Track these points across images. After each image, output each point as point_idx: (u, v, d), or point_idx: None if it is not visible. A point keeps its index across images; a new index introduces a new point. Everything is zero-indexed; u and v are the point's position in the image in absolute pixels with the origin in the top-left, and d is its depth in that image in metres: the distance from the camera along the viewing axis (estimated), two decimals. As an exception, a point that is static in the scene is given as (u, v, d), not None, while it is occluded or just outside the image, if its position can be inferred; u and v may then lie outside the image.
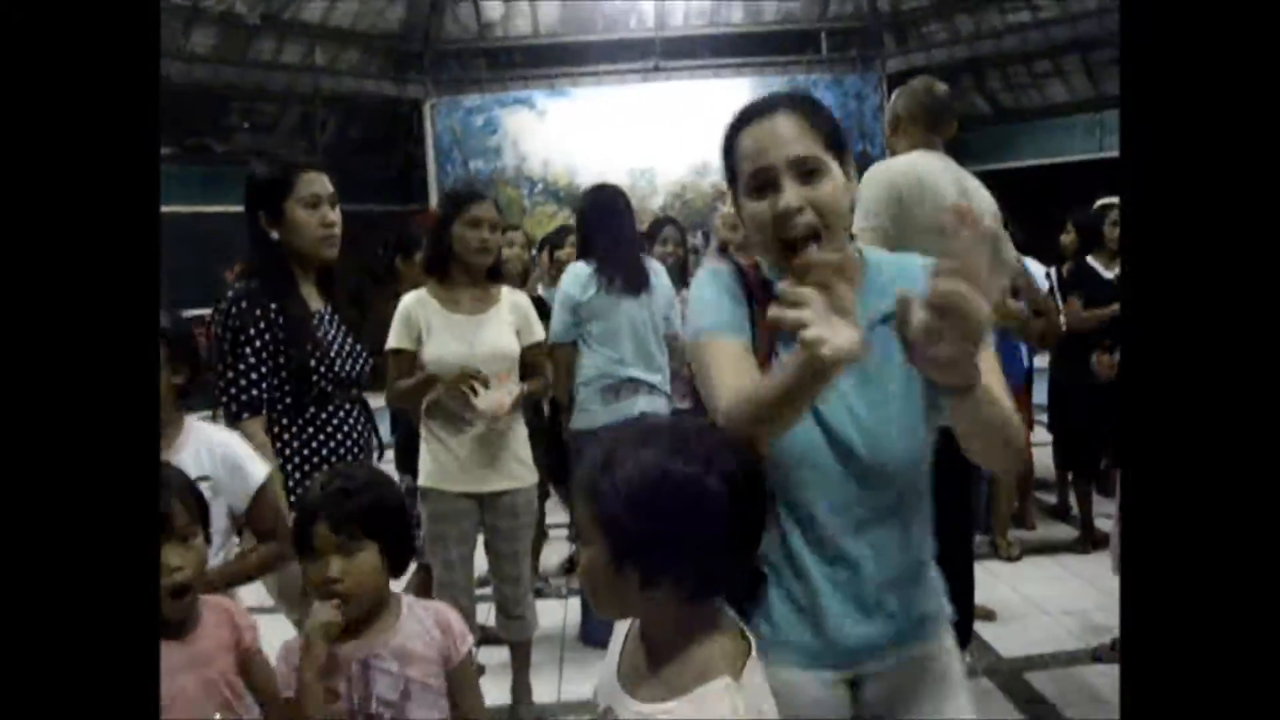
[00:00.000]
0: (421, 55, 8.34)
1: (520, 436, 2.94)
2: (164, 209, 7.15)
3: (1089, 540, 4.34)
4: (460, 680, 1.61)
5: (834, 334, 1.00)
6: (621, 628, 1.26)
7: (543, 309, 3.42)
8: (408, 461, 3.13)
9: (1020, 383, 4.39)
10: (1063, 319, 4.07)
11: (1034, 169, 7.91)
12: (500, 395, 2.79)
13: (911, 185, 2.92)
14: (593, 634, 3.60)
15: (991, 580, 3.98)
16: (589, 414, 3.47)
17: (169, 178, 7.39)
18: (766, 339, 1.36)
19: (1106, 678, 2.94)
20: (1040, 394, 4.69)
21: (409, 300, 2.87)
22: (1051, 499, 5.05)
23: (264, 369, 2.16)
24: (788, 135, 1.31)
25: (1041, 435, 4.89)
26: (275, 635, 1.68)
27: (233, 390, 2.17)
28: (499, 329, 2.86)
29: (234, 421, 2.17)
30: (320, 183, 2.26)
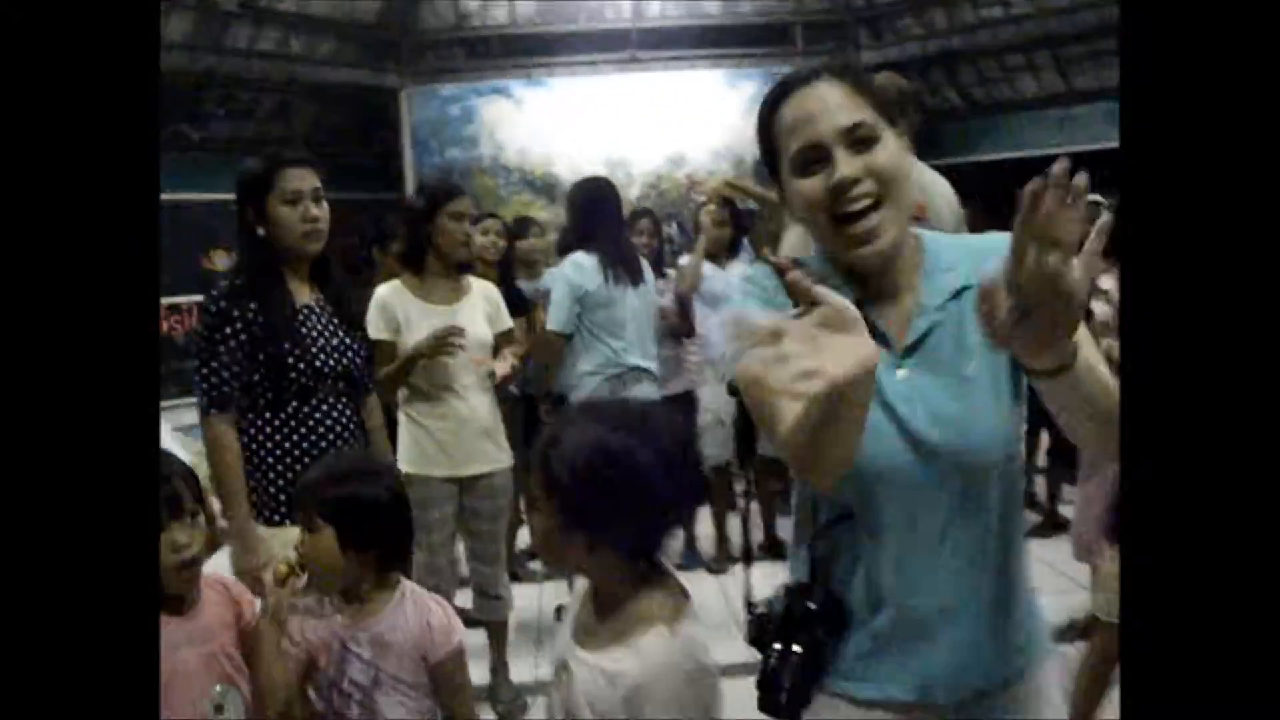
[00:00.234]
0: (399, 44, 8.34)
1: (496, 418, 3.02)
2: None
3: (1051, 525, 4.47)
4: (442, 677, 1.64)
5: (827, 360, 0.88)
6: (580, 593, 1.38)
7: (510, 298, 3.50)
8: None
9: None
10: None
11: (1005, 161, 8.02)
12: (506, 360, 2.90)
13: None
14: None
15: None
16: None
17: (144, 165, 7.36)
18: None
19: (1067, 658, 3.06)
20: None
21: (384, 292, 2.94)
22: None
23: (237, 367, 2.20)
24: (834, 104, 1.20)
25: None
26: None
27: (204, 385, 2.21)
28: (474, 317, 2.94)
29: (203, 416, 2.21)
30: (302, 178, 2.29)
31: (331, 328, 2.35)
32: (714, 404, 4.26)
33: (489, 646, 3.18)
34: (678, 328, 4.26)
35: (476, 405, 2.93)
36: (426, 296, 2.91)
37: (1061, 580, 3.68)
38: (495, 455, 3.00)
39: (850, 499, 1.25)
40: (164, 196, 6.89)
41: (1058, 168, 0.90)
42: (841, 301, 0.94)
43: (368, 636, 1.59)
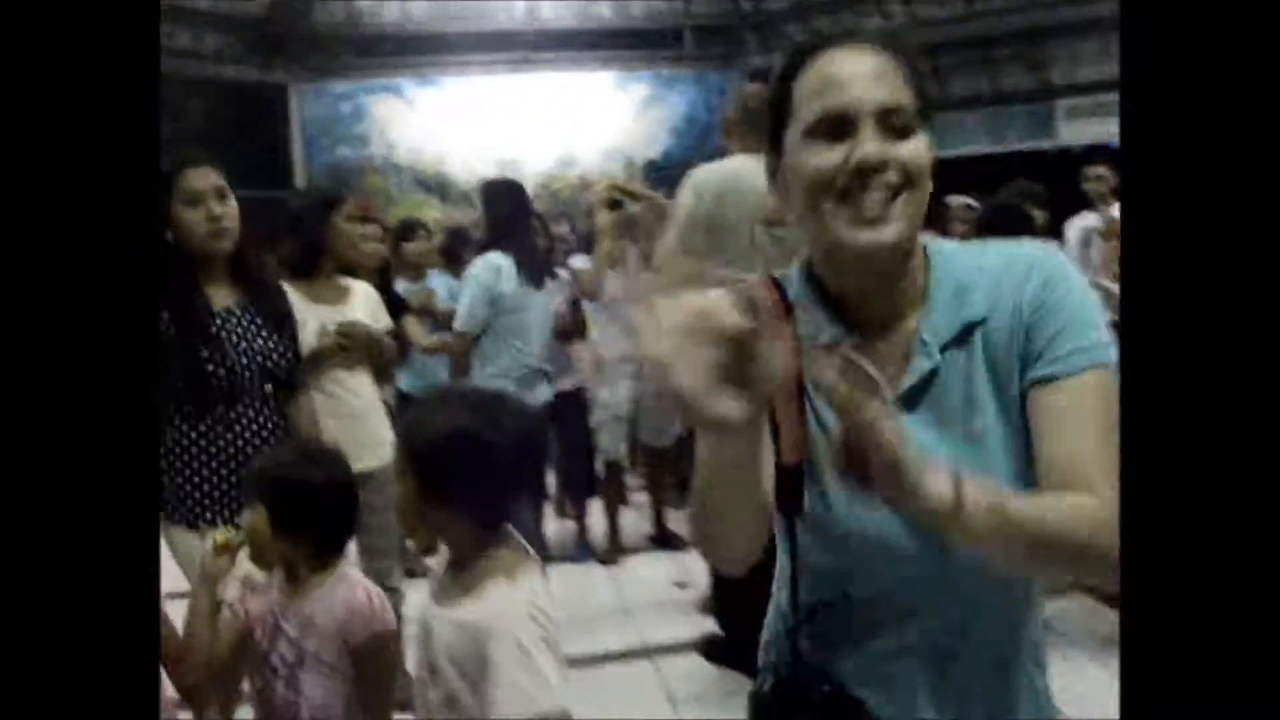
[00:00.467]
0: (288, 40, 8.25)
1: (381, 413, 3.08)
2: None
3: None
4: (361, 661, 1.66)
5: (713, 395, 0.72)
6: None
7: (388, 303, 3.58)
8: None
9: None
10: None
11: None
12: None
13: (726, 186, 3.20)
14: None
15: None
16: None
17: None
18: (790, 384, 1.02)
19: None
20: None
21: None
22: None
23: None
24: (876, 75, 1.01)
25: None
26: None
27: None
28: (361, 316, 2.99)
29: None
30: (203, 176, 2.24)
31: (254, 329, 2.32)
32: (611, 401, 4.42)
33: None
34: (570, 329, 4.38)
35: (366, 401, 2.99)
36: (314, 298, 2.95)
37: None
38: (383, 450, 3.05)
39: (840, 579, 1.05)
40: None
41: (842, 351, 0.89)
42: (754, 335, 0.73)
43: (297, 616, 1.65)
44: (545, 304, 3.75)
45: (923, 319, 1.03)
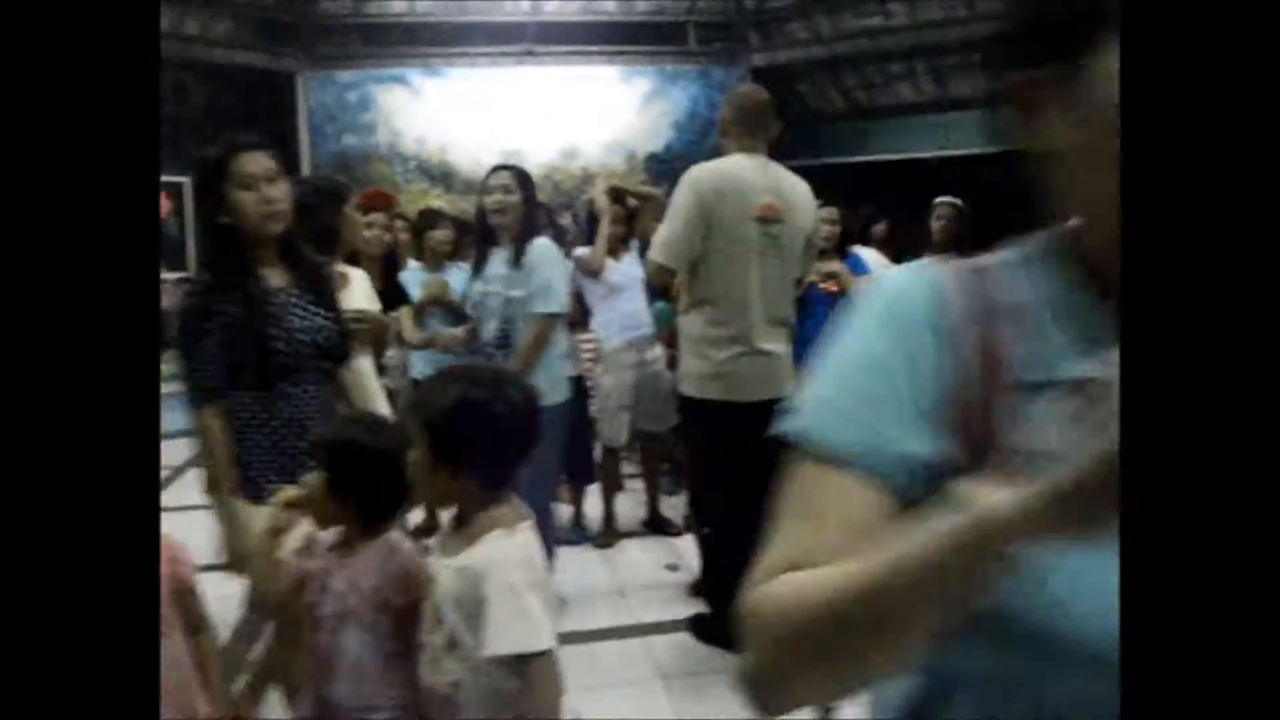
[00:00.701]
0: (296, 28, 8.36)
1: (381, 397, 3.20)
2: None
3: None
4: (400, 623, 1.76)
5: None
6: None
7: (397, 290, 3.70)
8: None
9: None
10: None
11: (884, 163, 8.44)
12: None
13: (723, 184, 3.33)
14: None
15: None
16: (565, 386, 3.76)
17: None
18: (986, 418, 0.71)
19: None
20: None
21: None
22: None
23: (220, 358, 2.27)
24: None
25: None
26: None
27: (190, 381, 2.29)
28: (362, 303, 3.12)
29: (192, 408, 2.29)
30: (254, 161, 2.32)
31: (306, 308, 2.41)
32: (614, 389, 4.55)
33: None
34: (573, 318, 4.50)
35: (368, 386, 3.11)
36: None
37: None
38: None
39: (1024, 695, 0.73)
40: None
41: None
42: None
43: (344, 576, 1.76)
44: None
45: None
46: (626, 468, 5.03)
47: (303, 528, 1.78)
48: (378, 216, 4.23)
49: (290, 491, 1.79)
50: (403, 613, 1.74)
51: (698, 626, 3.65)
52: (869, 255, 4.96)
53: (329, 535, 1.79)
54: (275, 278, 2.39)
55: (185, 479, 4.17)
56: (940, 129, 8.27)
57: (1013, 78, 0.74)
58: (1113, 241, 0.63)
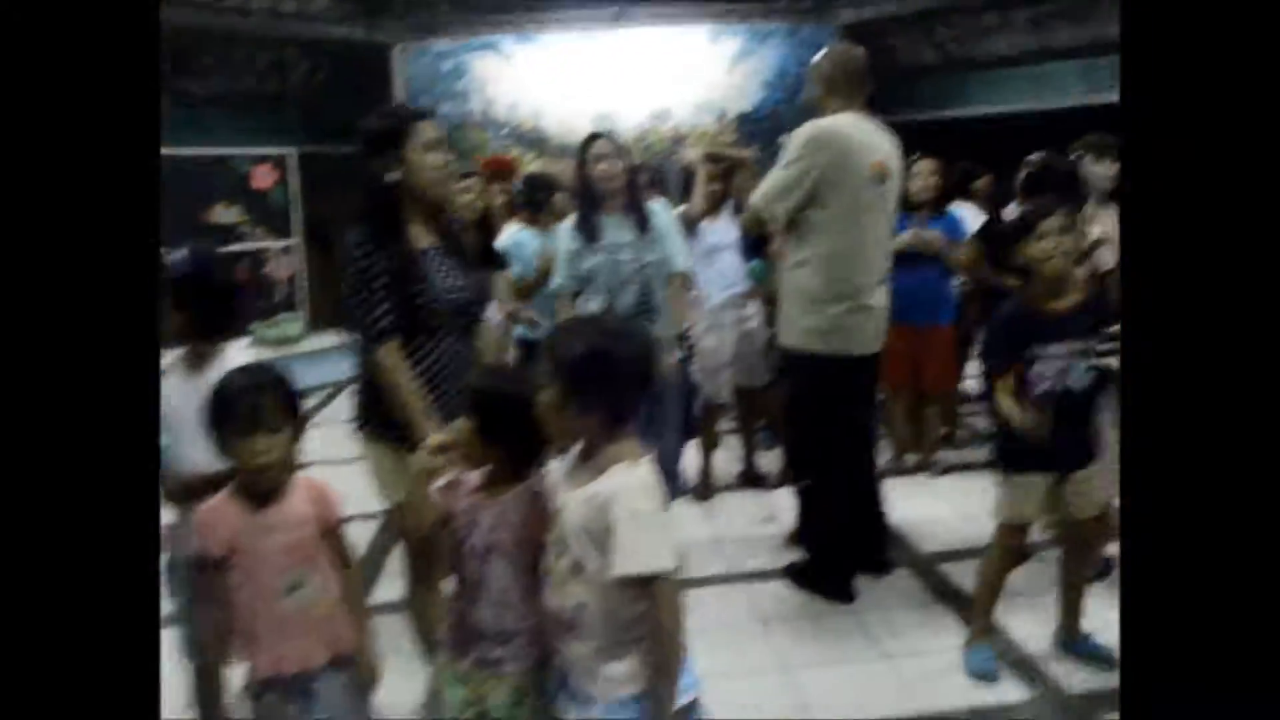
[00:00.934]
0: (391, 1, 8.53)
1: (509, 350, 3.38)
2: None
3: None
4: (538, 555, 1.91)
5: None
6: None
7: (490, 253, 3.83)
8: None
9: (949, 319, 4.88)
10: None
11: (980, 117, 8.30)
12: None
13: (842, 143, 3.38)
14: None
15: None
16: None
17: (146, 120, 7.57)
18: None
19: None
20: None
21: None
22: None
23: (387, 302, 2.47)
24: None
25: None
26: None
27: (366, 320, 2.48)
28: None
29: (371, 347, 2.48)
30: (434, 128, 2.55)
31: (449, 268, 2.59)
32: (716, 346, 4.65)
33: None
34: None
35: (499, 343, 3.29)
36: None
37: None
38: None
39: None
40: (165, 151, 7.05)
41: None
42: None
43: (491, 513, 1.93)
44: None
45: None
46: (722, 423, 5.12)
47: (450, 469, 1.93)
48: (472, 181, 4.32)
49: (439, 437, 1.93)
50: (540, 548, 1.88)
51: (795, 574, 3.76)
52: (967, 211, 4.95)
53: (475, 476, 1.93)
54: (423, 238, 2.58)
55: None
56: (1039, 80, 8.11)
57: None
58: None
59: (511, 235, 4.52)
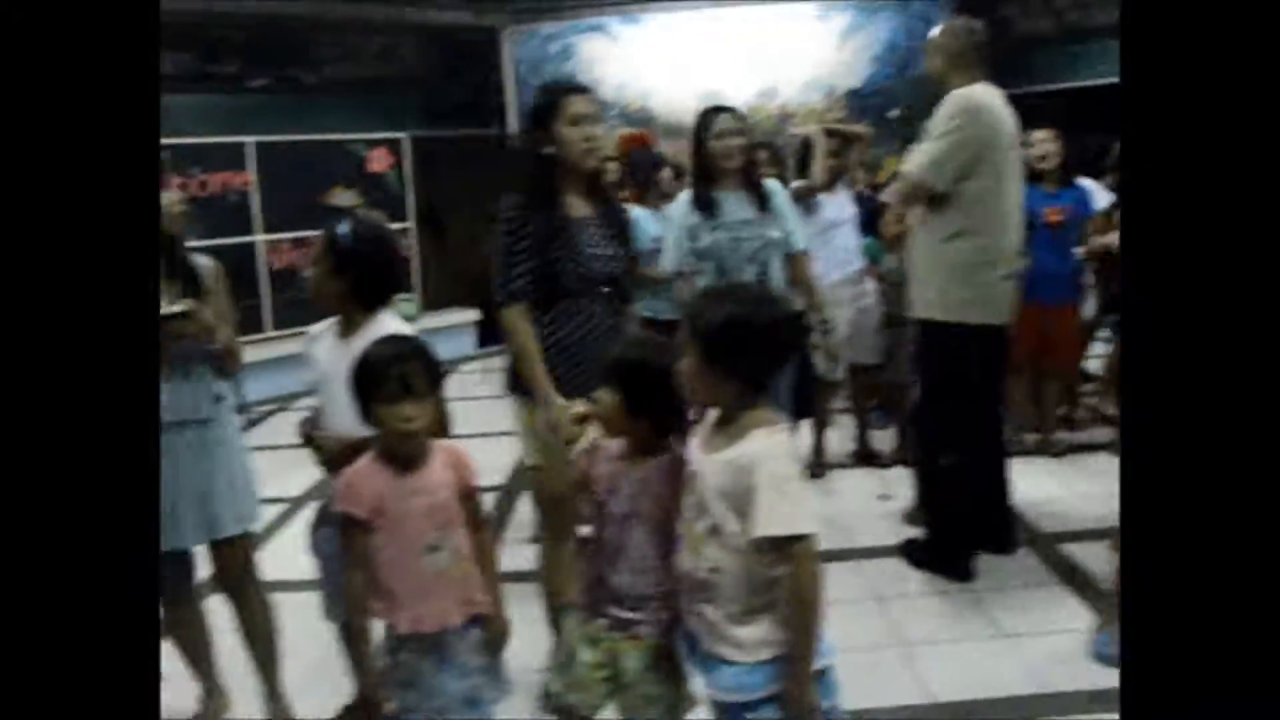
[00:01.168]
0: (499, -16, 8.65)
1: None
2: (260, 138, 7.57)
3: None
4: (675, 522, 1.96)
5: None
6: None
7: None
8: None
9: (1074, 297, 4.77)
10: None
11: (1098, 89, 8.04)
12: None
13: (993, 113, 3.40)
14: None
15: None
16: None
17: (264, 107, 7.87)
18: None
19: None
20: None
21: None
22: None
23: (524, 267, 2.59)
24: None
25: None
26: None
27: (501, 281, 2.62)
28: None
29: (502, 307, 2.62)
30: (584, 102, 2.66)
31: (602, 238, 2.71)
32: (832, 324, 4.60)
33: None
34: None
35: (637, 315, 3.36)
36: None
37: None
38: None
39: None
40: (281, 138, 7.27)
41: None
42: None
43: (633, 480, 1.99)
44: None
45: None
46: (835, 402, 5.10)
47: (591, 435, 1.98)
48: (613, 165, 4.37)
49: (580, 407, 1.99)
50: (677, 514, 1.92)
51: (911, 552, 3.73)
52: (1093, 187, 4.83)
53: (615, 443, 1.98)
54: (579, 208, 2.69)
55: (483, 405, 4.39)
56: (1077, 60, 7.81)
57: None
58: None
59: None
